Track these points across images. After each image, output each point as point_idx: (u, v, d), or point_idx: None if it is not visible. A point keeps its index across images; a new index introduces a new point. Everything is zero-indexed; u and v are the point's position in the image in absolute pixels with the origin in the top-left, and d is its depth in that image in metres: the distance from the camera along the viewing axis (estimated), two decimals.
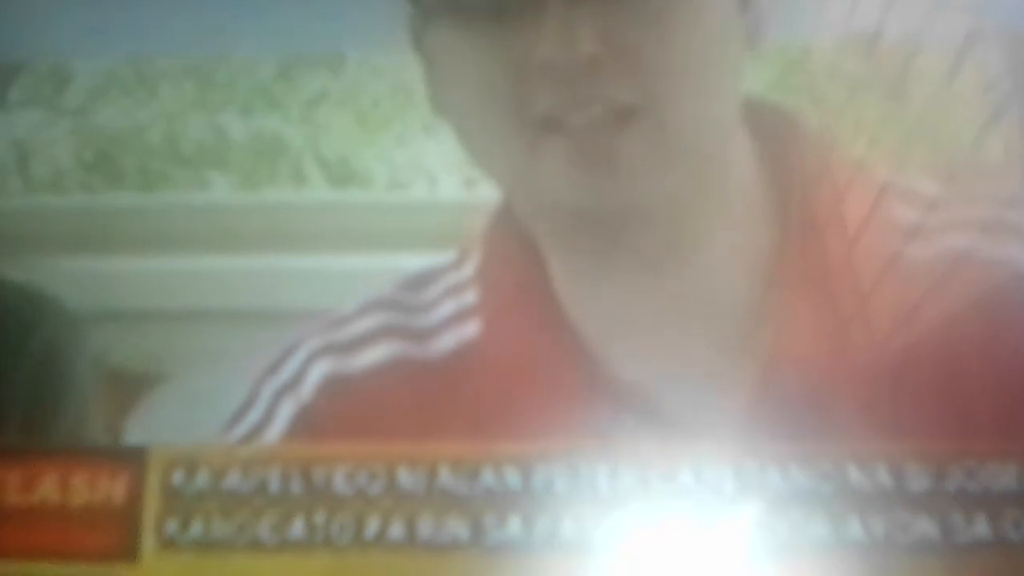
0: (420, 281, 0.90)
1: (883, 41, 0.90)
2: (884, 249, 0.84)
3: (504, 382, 0.85)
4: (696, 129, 0.82)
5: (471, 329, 0.87)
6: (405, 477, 0.78)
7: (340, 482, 0.78)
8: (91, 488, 0.79)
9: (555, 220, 0.85)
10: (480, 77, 0.82)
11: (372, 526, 0.78)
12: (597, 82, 0.80)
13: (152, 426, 0.92)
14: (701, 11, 0.82)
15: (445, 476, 0.78)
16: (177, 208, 1.00)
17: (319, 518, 0.78)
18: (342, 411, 0.87)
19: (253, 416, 0.88)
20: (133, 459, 0.79)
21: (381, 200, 0.99)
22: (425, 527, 0.77)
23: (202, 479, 0.79)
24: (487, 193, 0.87)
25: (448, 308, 0.88)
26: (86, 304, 0.94)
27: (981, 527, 0.76)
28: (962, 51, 0.88)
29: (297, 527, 0.78)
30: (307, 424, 0.87)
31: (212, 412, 0.88)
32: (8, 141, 1.01)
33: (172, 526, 0.78)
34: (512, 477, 0.78)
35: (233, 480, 0.79)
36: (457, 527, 0.77)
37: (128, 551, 0.78)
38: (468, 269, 0.89)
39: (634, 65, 0.80)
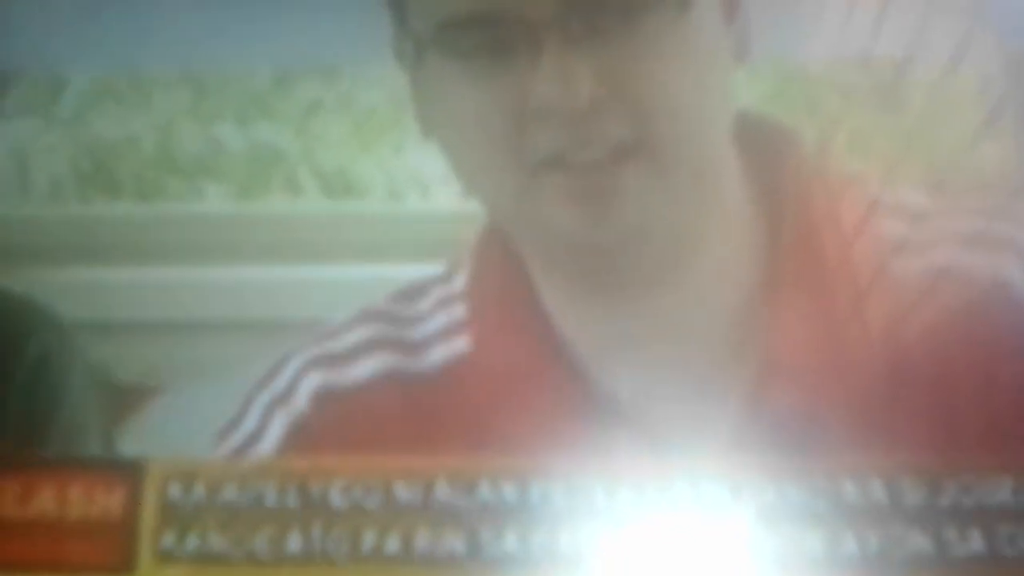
0: (411, 293, 0.90)
1: (877, 54, 0.90)
2: (873, 262, 0.84)
3: (495, 397, 0.85)
4: (692, 153, 0.82)
5: (461, 343, 0.87)
6: (402, 491, 0.78)
7: (337, 496, 0.79)
8: (88, 501, 0.79)
9: (551, 250, 0.85)
10: (476, 115, 0.82)
11: (369, 540, 0.78)
12: (595, 122, 0.80)
13: (148, 438, 0.92)
14: (690, 36, 0.82)
15: (442, 490, 0.78)
16: (172, 218, 1.00)
17: (316, 532, 0.78)
18: (335, 423, 0.87)
19: (245, 429, 0.88)
20: (130, 472, 0.79)
21: (377, 211, 0.99)
22: (422, 541, 0.77)
23: (199, 492, 0.79)
24: None
25: (439, 321, 0.88)
26: (81, 315, 0.94)
27: (976, 542, 0.76)
28: (955, 60, 0.89)
29: (294, 541, 0.78)
30: (300, 436, 0.87)
31: (209, 424, 0.87)
32: (6, 150, 1.01)
33: (169, 539, 0.78)
34: (509, 491, 0.78)
35: (230, 493, 0.79)
36: (454, 541, 0.77)
37: (125, 564, 0.78)
38: (458, 282, 0.89)
39: (631, 101, 0.80)
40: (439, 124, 0.85)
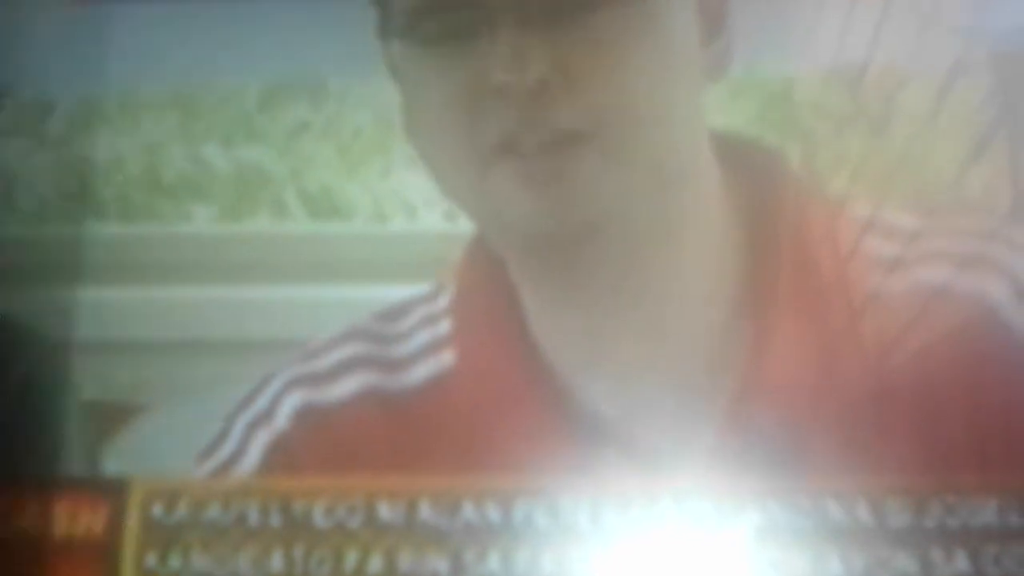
0: (394, 312, 0.90)
1: (869, 73, 0.90)
2: (863, 283, 0.84)
3: (479, 413, 0.85)
4: (649, 155, 0.82)
5: (446, 359, 0.88)
6: (385, 511, 0.78)
7: (319, 515, 0.78)
8: (72, 519, 0.79)
9: (514, 242, 0.85)
10: (437, 100, 0.83)
11: (351, 560, 0.78)
12: (546, 106, 0.81)
13: (133, 457, 0.92)
14: (657, 40, 0.83)
15: (425, 510, 0.78)
16: (159, 239, 1.00)
17: (298, 551, 0.78)
18: (316, 441, 0.87)
19: (227, 448, 0.88)
20: (114, 491, 0.79)
21: (362, 232, 0.99)
22: (404, 561, 0.77)
23: (182, 511, 0.79)
24: (467, 225, 0.87)
25: (423, 338, 0.89)
26: (66, 334, 0.94)
27: (961, 562, 0.76)
28: (949, 80, 0.89)
29: (276, 560, 0.78)
30: (281, 455, 0.87)
31: (194, 443, 0.87)
32: None
33: (151, 558, 0.78)
34: (492, 511, 0.78)
35: (213, 513, 0.79)
36: (437, 561, 0.77)
37: None
38: (443, 300, 0.89)
39: (584, 91, 0.81)
40: (411, 118, 0.86)
